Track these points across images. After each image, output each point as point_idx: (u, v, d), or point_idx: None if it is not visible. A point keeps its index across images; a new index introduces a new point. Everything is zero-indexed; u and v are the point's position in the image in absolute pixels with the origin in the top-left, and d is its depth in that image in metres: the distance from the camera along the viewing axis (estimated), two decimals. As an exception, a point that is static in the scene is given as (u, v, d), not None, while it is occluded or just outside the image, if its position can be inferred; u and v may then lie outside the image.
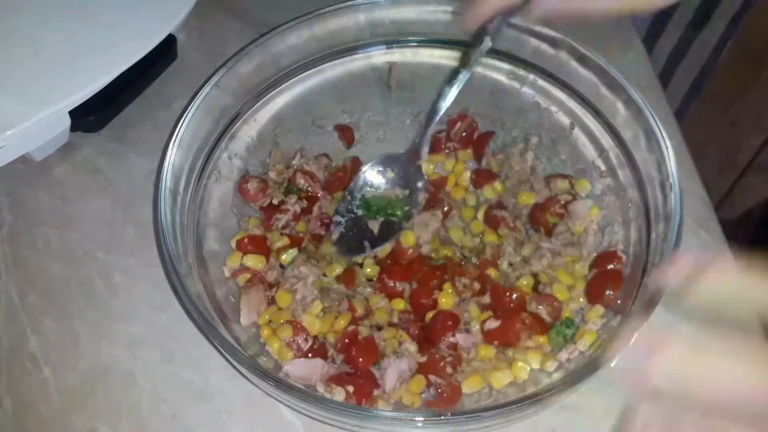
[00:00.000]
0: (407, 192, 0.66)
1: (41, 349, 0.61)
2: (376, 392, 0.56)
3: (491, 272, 0.63)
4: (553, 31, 0.62)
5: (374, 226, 0.65)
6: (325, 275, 0.63)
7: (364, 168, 0.67)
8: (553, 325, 0.58)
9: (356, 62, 0.69)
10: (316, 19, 0.65)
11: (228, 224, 0.64)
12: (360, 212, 0.66)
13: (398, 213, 0.66)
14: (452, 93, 0.62)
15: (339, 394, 0.54)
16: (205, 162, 0.61)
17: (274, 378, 0.49)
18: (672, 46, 1.14)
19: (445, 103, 0.62)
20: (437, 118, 0.64)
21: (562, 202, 0.65)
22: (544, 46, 0.64)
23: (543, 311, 0.59)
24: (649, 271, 0.54)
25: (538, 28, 0.62)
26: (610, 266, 0.60)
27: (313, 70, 0.68)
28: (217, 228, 0.63)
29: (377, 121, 0.72)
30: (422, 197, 0.66)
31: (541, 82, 0.66)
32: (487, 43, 0.59)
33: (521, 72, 0.67)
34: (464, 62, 0.61)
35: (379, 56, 0.69)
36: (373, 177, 0.67)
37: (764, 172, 1.20)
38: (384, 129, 0.72)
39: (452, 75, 0.63)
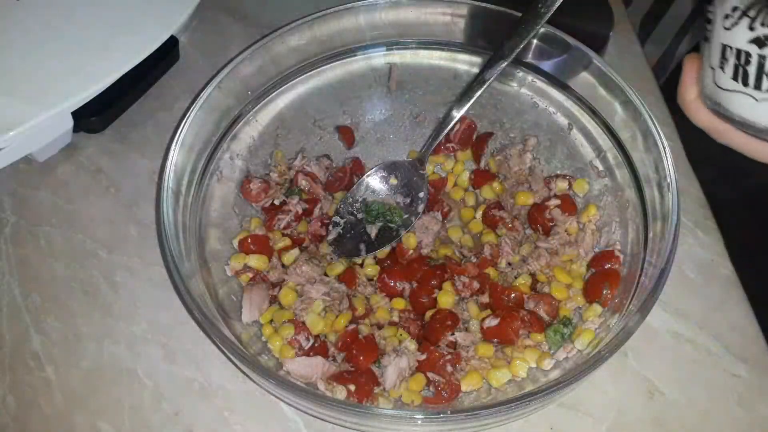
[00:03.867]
0: (408, 200, 0.67)
1: (44, 348, 0.61)
2: (376, 390, 0.56)
3: (490, 271, 0.64)
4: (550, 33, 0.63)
5: (372, 230, 0.66)
6: (326, 275, 0.63)
7: (369, 172, 0.68)
8: (551, 324, 0.58)
9: (356, 63, 0.69)
10: (317, 20, 0.65)
11: (230, 224, 0.64)
12: (360, 215, 0.67)
13: (396, 220, 0.66)
14: (466, 106, 0.62)
15: (340, 392, 0.54)
16: (207, 162, 0.62)
17: (275, 376, 0.50)
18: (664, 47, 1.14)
19: (458, 115, 0.63)
20: (447, 129, 0.64)
21: (551, 206, 0.65)
22: (543, 47, 0.64)
23: (541, 310, 0.59)
24: (646, 270, 0.55)
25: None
26: (608, 265, 0.60)
27: (314, 71, 0.68)
28: (219, 228, 0.63)
29: (377, 122, 0.73)
30: (422, 207, 0.66)
31: (539, 83, 0.67)
32: (502, 64, 0.60)
33: (520, 73, 0.67)
34: (480, 79, 0.62)
35: (378, 57, 0.69)
36: (377, 182, 0.68)
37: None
38: (384, 130, 0.73)
39: (467, 88, 0.63)
